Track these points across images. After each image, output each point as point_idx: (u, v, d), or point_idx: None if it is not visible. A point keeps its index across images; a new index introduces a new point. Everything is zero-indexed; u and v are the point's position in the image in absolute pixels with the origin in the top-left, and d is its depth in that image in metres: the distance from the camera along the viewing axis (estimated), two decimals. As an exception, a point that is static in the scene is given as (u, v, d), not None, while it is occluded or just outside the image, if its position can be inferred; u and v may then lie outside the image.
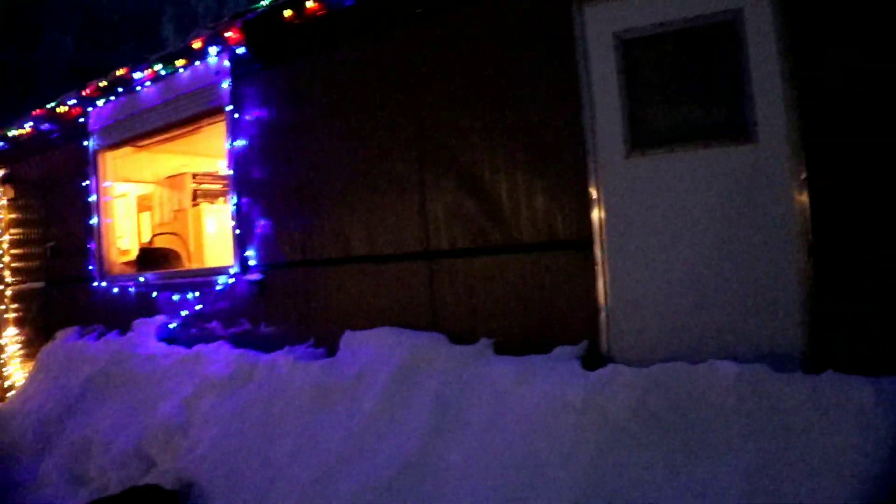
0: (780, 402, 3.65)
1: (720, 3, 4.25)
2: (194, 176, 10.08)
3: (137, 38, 47.77)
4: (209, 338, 6.97)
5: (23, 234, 10.58)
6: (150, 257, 8.80)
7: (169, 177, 10.46)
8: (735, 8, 4.22)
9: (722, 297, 4.25)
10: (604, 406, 4.04)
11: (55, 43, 44.93)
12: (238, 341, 6.68)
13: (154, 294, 7.78)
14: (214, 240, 9.31)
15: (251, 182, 6.66)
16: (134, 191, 10.56)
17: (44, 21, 43.50)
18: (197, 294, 7.20)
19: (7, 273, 10.83)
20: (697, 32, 4.34)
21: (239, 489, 5.25)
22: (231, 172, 6.80)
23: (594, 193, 4.57)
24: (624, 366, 4.20)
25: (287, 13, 6.08)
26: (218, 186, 10.12)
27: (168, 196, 10.39)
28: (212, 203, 9.85)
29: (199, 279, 7.31)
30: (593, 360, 4.49)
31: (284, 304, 6.41)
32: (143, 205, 10.61)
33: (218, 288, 6.90)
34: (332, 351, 5.76)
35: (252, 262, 6.60)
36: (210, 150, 9.86)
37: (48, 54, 43.64)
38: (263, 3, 6.37)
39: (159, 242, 9.47)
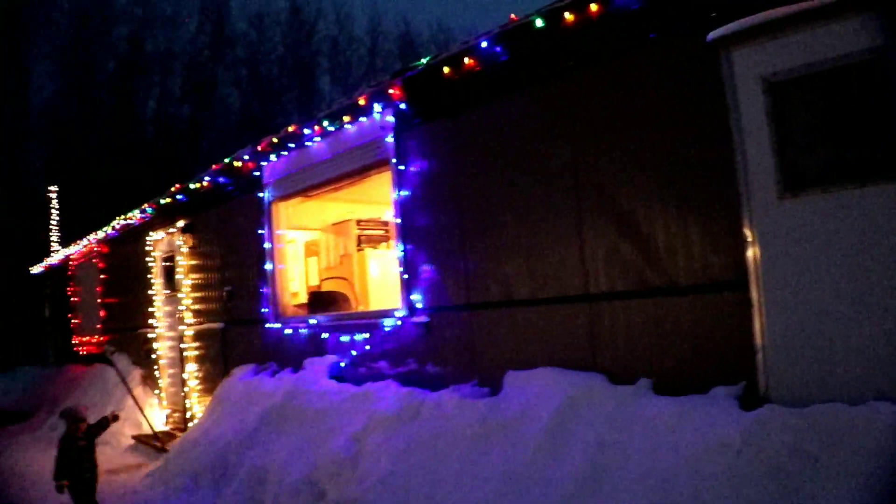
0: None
1: (863, 41, 4.21)
2: (358, 222, 10.62)
3: (298, 88, 50.20)
4: (377, 376, 7.37)
5: (202, 278, 11.44)
6: (321, 300, 9.35)
7: (334, 223, 11.06)
8: (879, 46, 4.17)
9: (880, 339, 4.17)
10: (761, 446, 4.08)
11: (223, 97, 47.76)
12: (405, 380, 7.03)
13: (324, 335, 8.29)
14: (378, 283, 9.77)
15: (416, 229, 7.05)
16: (301, 237, 11.21)
17: (216, 77, 46.34)
18: (365, 335, 7.64)
19: (188, 314, 11.71)
20: (844, 71, 4.31)
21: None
22: (398, 221, 7.21)
23: (748, 235, 4.61)
24: (781, 406, 4.22)
25: (446, 70, 6.41)
26: (380, 232, 10.63)
27: (334, 242, 10.99)
28: (375, 248, 10.35)
29: (366, 321, 7.74)
30: (751, 400, 4.51)
31: (449, 344, 6.72)
32: (311, 250, 11.24)
33: (385, 329, 7.31)
34: (495, 390, 6.00)
35: (418, 305, 6.96)
36: (373, 198, 10.41)
37: (218, 107, 46.44)
38: (423, 61, 6.70)
39: (328, 286, 10.02)
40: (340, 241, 10.85)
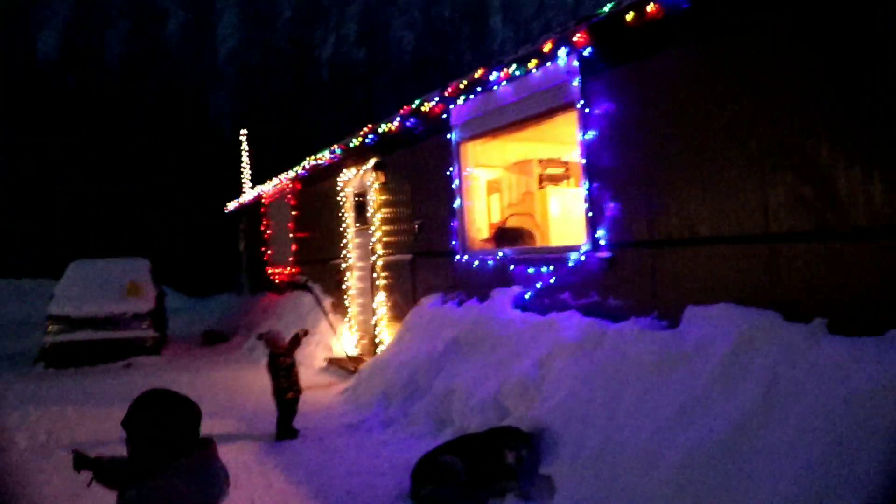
0: None
1: None
2: (540, 161, 10.99)
3: (470, 28, 50.58)
4: (560, 307, 7.80)
5: (392, 213, 12.18)
6: (506, 234, 9.85)
7: (516, 162, 11.48)
8: None
9: None
10: None
11: (398, 39, 48.79)
12: (587, 311, 7.42)
13: (511, 267, 8.80)
14: (558, 220, 10.13)
15: (601, 169, 7.36)
16: (484, 175, 11.71)
17: (390, 20, 47.38)
18: (550, 268, 8.08)
19: (379, 246, 12.53)
20: None
21: (585, 437, 6.01)
22: (583, 161, 7.55)
23: None
24: None
25: (629, 17, 6.51)
26: (561, 171, 10.96)
27: (516, 180, 11.42)
28: (556, 186, 10.70)
29: (551, 255, 8.17)
30: None
31: (631, 279, 7.04)
32: (492, 187, 11.69)
33: (570, 263, 7.71)
34: (674, 323, 6.29)
35: (602, 242, 7.31)
36: (555, 138, 10.74)
37: (393, 49, 47.53)
38: (607, 8, 6.82)
39: (512, 222, 10.48)
40: (522, 179, 11.27)
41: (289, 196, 18.38)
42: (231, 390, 12.03)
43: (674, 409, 5.52)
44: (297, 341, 9.04)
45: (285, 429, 8.58)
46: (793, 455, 4.53)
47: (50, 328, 15.81)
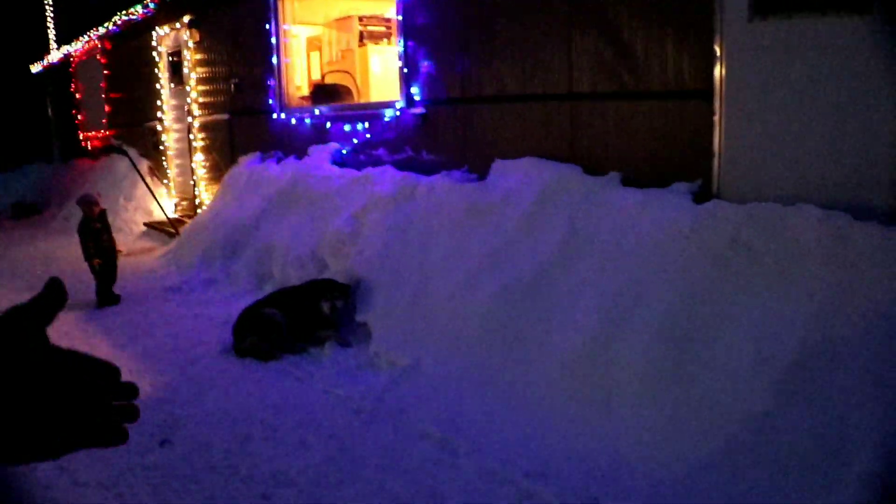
0: (855, 245, 4.07)
1: None
2: (361, 18, 10.82)
3: None
4: (376, 163, 7.97)
5: (209, 72, 11.81)
6: (324, 92, 9.76)
7: (337, 19, 11.26)
8: None
9: (820, 153, 4.66)
10: (707, 235, 4.66)
11: None
12: (401, 166, 7.64)
13: (327, 125, 8.82)
14: (378, 78, 10.11)
15: (417, 27, 7.44)
16: (304, 32, 11.45)
17: None
18: (366, 125, 8.17)
19: (195, 107, 12.15)
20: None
21: (399, 285, 6.30)
22: (399, 18, 7.59)
23: (718, 51, 5.02)
24: (727, 203, 4.78)
25: None
26: (382, 28, 10.83)
27: (336, 37, 11.22)
28: (376, 44, 10.62)
29: (368, 112, 8.26)
30: (703, 197, 5.06)
31: (444, 135, 7.28)
32: (313, 45, 11.46)
33: (385, 120, 7.84)
34: (483, 176, 6.61)
35: (416, 98, 7.47)
36: (376, -6, 10.61)
37: None
38: None
39: (331, 79, 10.38)
40: (343, 36, 11.09)
41: (100, 56, 17.32)
42: (49, 261, 11.60)
43: (483, 256, 5.89)
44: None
45: (105, 295, 8.46)
46: (590, 293, 5.01)
47: None
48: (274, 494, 4.11)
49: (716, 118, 5.06)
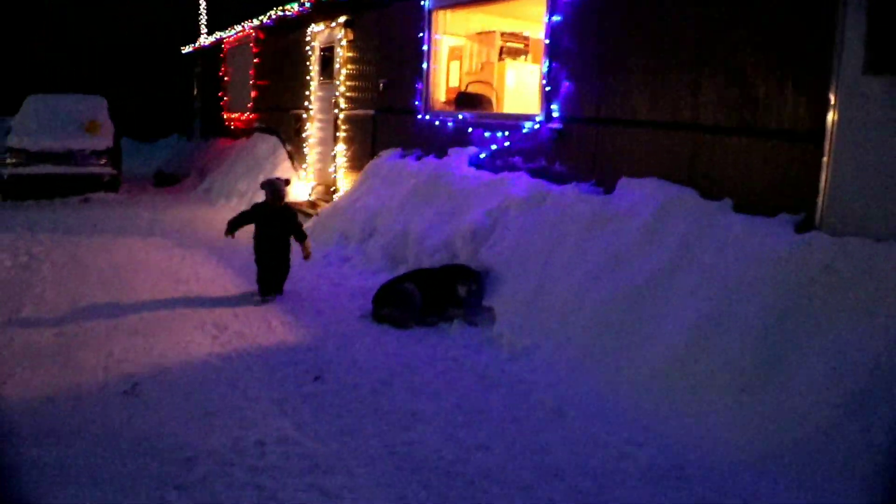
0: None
1: None
2: (502, 34, 11.66)
3: None
4: (511, 168, 8.77)
5: (357, 70, 12.87)
6: (468, 99, 10.64)
7: (479, 33, 12.11)
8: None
9: None
10: (801, 260, 5.22)
11: None
12: (535, 174, 8.40)
13: (469, 129, 9.70)
14: (512, 91, 10.92)
15: (561, 50, 8.20)
16: (447, 42, 12.35)
17: None
18: (505, 133, 9.01)
19: (342, 100, 13.24)
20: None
21: (525, 278, 7.07)
22: (547, 41, 8.38)
23: (832, 99, 5.53)
24: (825, 234, 5.35)
25: None
26: (521, 45, 11.64)
27: (477, 49, 12.10)
28: (514, 59, 11.44)
29: (507, 122, 9.09)
30: (805, 228, 5.55)
31: (576, 150, 8.02)
32: (454, 55, 12.34)
33: (524, 131, 8.65)
34: (609, 190, 7.33)
35: (555, 114, 8.24)
36: (519, 14, 11.44)
37: None
38: None
39: (473, 88, 11.25)
40: (484, 49, 11.93)
41: (251, 44, 18.71)
42: (193, 224, 12.98)
43: (602, 260, 6.59)
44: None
45: (269, 284, 8.27)
46: (694, 301, 5.68)
47: (8, 161, 16.13)
48: (412, 427, 5.00)
49: (824, 160, 5.56)
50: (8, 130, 16.78)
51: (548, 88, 8.33)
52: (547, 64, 8.35)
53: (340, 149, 13.32)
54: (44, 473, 4.17)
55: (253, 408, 5.23)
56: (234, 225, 8.34)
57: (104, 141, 16.97)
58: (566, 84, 8.13)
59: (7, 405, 5.12)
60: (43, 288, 8.36)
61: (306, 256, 8.45)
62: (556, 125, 8.22)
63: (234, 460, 4.43)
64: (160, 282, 8.86)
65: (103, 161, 16.76)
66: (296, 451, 4.58)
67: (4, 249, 10.29)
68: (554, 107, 8.25)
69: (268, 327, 7.12)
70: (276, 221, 8.28)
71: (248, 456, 4.49)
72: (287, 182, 8.93)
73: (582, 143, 7.96)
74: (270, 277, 8.20)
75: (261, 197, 8.61)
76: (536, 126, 8.46)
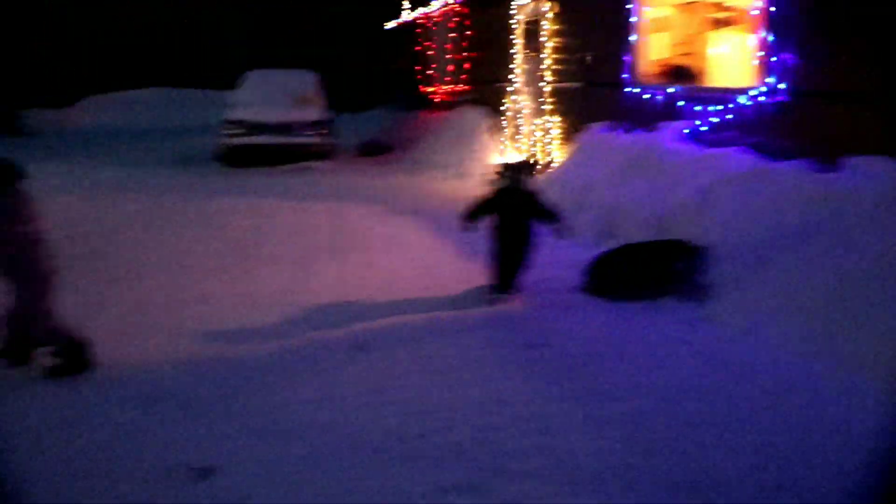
0: None
1: None
2: (710, 4, 11.37)
3: None
4: (724, 143, 8.62)
5: (563, 43, 12.97)
6: (677, 72, 10.53)
7: (687, 3, 11.87)
8: None
9: None
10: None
11: None
12: (750, 148, 8.21)
13: (678, 103, 9.63)
14: (720, 62, 10.63)
15: (785, 18, 7.88)
16: (653, 13, 12.17)
17: None
18: (718, 107, 8.87)
19: (548, 73, 13.41)
20: None
21: (742, 256, 6.96)
22: (771, 9, 8.05)
23: None
24: None
25: None
26: (730, 15, 11.33)
27: (684, 20, 11.89)
28: (722, 29, 11.14)
29: (720, 95, 8.94)
30: None
31: (798, 124, 7.78)
32: (658, 25, 12.18)
33: (739, 104, 8.47)
34: (832, 169, 7.03)
35: (777, 87, 7.96)
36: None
37: None
38: None
39: (682, 61, 11.09)
40: (690, 19, 11.71)
41: (454, 18, 19.14)
42: (411, 192, 13.80)
43: (827, 239, 6.40)
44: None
45: (506, 281, 7.53)
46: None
47: (229, 132, 17.60)
48: (629, 397, 5.18)
49: None
50: (228, 104, 18.37)
51: (771, 59, 8.06)
52: (770, 33, 8.08)
53: (545, 122, 13.50)
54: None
55: (473, 369, 5.69)
56: (473, 214, 7.50)
57: (318, 113, 18.19)
58: (789, 56, 7.86)
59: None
60: (272, 247, 9.52)
61: (561, 237, 7.64)
62: (775, 98, 8.00)
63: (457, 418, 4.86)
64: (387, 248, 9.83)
65: (318, 132, 17.85)
66: (508, 411, 4.93)
67: (239, 212, 11.64)
68: (771, 80, 8.04)
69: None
70: (523, 208, 7.43)
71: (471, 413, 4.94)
72: (533, 165, 8.98)
73: (804, 118, 7.71)
74: (510, 272, 7.45)
75: (468, 172, 8.81)
76: (762, 97, 8.19)
